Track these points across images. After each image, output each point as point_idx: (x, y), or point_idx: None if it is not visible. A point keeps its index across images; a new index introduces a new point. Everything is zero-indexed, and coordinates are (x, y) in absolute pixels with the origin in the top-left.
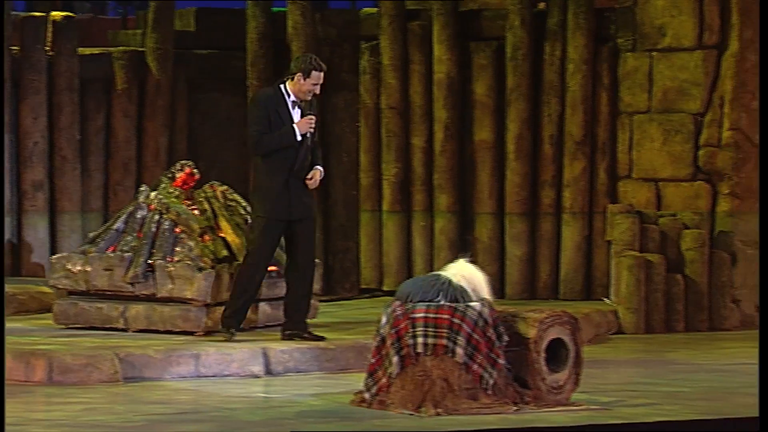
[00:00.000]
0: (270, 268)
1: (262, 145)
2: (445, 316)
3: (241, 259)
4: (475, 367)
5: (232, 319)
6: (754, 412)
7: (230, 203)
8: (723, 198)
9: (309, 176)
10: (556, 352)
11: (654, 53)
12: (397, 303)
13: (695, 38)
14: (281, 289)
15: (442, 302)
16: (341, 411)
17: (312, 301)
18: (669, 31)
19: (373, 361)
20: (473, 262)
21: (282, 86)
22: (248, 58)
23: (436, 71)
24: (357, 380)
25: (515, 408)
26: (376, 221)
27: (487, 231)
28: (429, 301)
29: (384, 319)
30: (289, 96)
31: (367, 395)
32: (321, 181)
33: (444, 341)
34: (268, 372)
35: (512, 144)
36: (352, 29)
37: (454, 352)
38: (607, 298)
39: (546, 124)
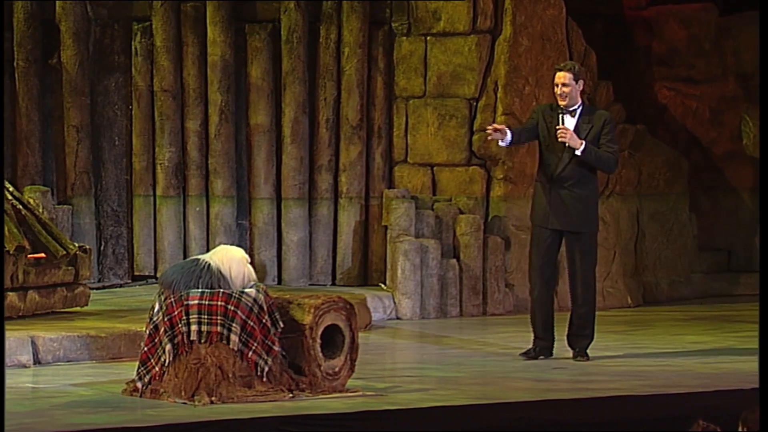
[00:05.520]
0: (38, 255)
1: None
2: (220, 303)
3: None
4: (250, 354)
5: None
6: (527, 396)
7: None
8: (497, 183)
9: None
10: (331, 339)
11: (429, 37)
12: (170, 290)
13: (469, 23)
14: (50, 277)
15: (201, 289)
16: (113, 401)
17: (83, 289)
18: (443, 16)
19: (146, 349)
20: (244, 245)
21: None
22: (15, 39)
23: (210, 53)
24: (129, 369)
25: (291, 395)
26: (149, 206)
27: (263, 216)
28: (192, 288)
29: (157, 306)
30: (559, 105)
31: (139, 384)
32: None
33: (218, 328)
34: (37, 361)
35: (288, 128)
36: (124, 10)
37: (228, 339)
38: (384, 283)
39: (322, 108)
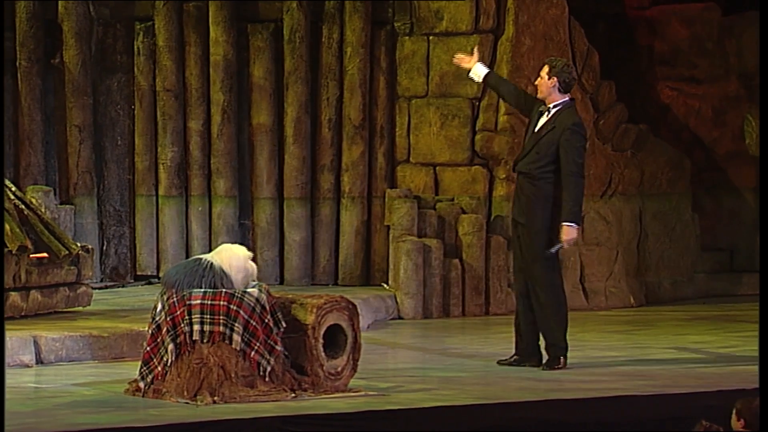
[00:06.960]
0: (40, 255)
1: None
2: (222, 303)
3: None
4: (253, 353)
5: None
6: (529, 396)
7: None
8: (499, 182)
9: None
10: (334, 338)
11: (431, 37)
12: (173, 290)
13: (471, 22)
14: (53, 277)
15: (205, 288)
16: (115, 400)
17: (86, 289)
18: (446, 15)
19: (148, 348)
20: (247, 245)
21: None
22: (17, 38)
23: (212, 53)
24: (131, 369)
25: (293, 395)
26: (152, 206)
27: (266, 216)
28: (195, 287)
29: (160, 306)
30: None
31: (142, 384)
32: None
33: (221, 328)
34: (39, 361)
35: (290, 128)
36: (126, 9)
37: (231, 339)
38: (386, 283)
39: (324, 108)
